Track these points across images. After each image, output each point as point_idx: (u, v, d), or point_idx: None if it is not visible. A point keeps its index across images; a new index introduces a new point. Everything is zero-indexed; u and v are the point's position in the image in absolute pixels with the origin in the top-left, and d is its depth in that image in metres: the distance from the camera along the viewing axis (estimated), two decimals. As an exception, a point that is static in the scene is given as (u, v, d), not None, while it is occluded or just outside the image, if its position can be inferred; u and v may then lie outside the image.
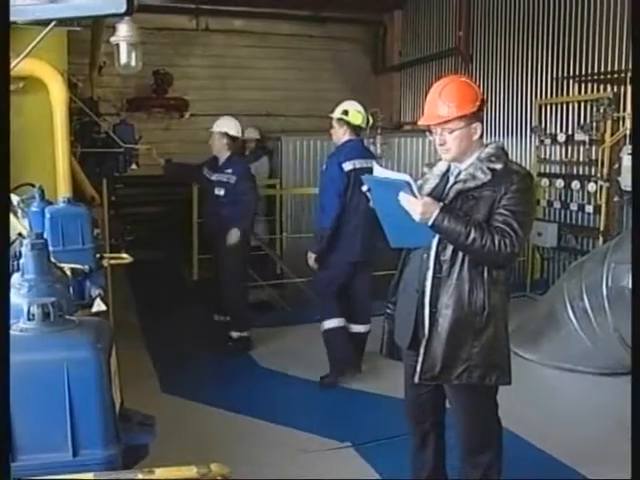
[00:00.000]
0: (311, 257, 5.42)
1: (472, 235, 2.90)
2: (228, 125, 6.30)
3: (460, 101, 3.06)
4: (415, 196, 2.93)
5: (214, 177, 6.32)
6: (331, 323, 5.52)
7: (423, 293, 3.11)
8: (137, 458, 1.78)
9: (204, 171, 6.46)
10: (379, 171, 3.16)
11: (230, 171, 6.24)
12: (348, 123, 5.43)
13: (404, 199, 2.93)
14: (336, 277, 5.51)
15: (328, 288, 5.54)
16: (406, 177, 2.99)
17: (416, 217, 2.92)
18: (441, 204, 2.96)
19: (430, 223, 2.92)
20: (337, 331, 5.53)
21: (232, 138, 6.31)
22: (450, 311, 3.04)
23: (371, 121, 5.85)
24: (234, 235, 6.07)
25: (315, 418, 4.81)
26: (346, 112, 5.45)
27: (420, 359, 3.11)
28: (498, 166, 3.05)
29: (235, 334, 6.30)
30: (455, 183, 3.13)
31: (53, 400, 1.60)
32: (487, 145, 3.17)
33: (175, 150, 10.44)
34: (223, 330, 6.42)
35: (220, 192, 6.24)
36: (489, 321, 3.04)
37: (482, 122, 3.14)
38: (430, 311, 3.08)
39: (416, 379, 3.15)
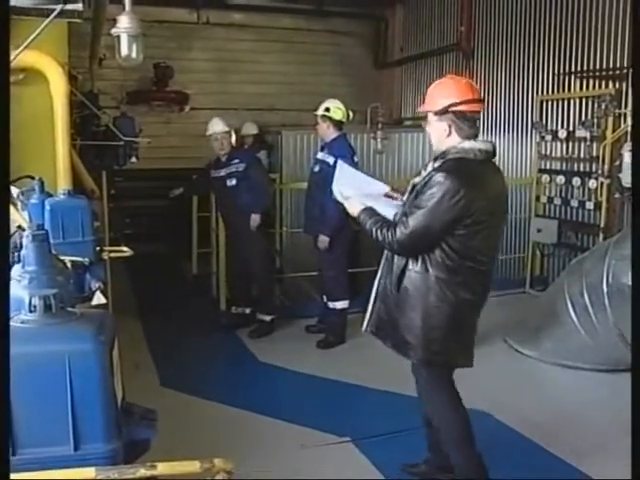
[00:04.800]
0: (325, 241, 6.07)
1: (373, 232, 3.40)
2: (216, 125, 6.49)
3: (429, 98, 3.44)
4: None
5: (223, 172, 6.49)
6: (344, 304, 6.30)
7: None
8: (138, 453, 1.76)
9: (211, 174, 6.65)
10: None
11: (237, 160, 6.45)
12: (331, 119, 6.15)
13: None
14: (344, 257, 6.29)
15: (340, 268, 6.28)
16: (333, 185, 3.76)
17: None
18: (362, 207, 3.52)
19: None
20: (345, 311, 6.33)
21: (225, 133, 6.50)
22: (382, 284, 3.55)
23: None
24: (255, 219, 6.36)
25: (314, 413, 4.79)
26: (328, 109, 6.17)
27: (367, 314, 3.65)
28: (437, 164, 3.32)
29: (267, 317, 6.58)
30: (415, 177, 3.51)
31: (54, 393, 1.59)
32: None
33: (175, 144, 10.45)
34: (234, 323, 6.77)
35: (232, 182, 6.43)
36: (406, 300, 3.40)
37: (456, 123, 3.31)
38: (378, 282, 3.60)
39: (362, 328, 3.69)
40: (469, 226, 3.25)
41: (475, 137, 3.36)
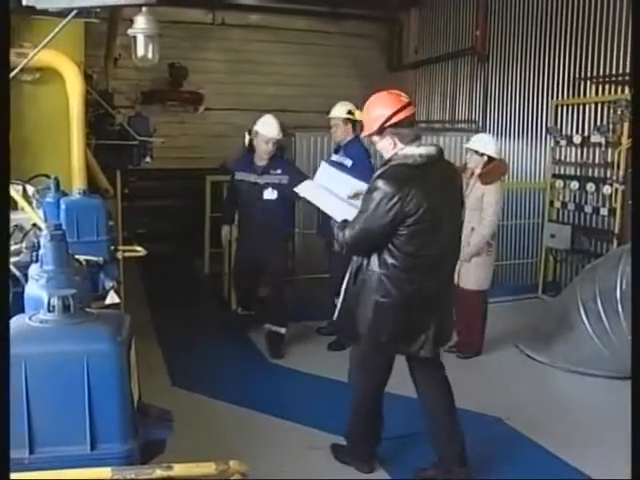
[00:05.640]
0: None
1: (334, 231, 3.73)
2: (272, 128, 5.91)
3: (365, 123, 3.74)
4: None
5: (260, 180, 5.96)
6: None
7: None
8: (154, 453, 1.76)
9: (238, 174, 6.13)
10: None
11: (279, 171, 5.97)
12: (355, 122, 6.10)
13: None
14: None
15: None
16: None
17: None
18: None
19: None
20: None
21: (278, 140, 6.05)
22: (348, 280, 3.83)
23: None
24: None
25: (325, 414, 4.78)
26: (350, 112, 6.13)
27: (337, 307, 3.95)
28: (380, 170, 3.62)
29: (282, 330, 6.21)
30: None
31: (72, 393, 1.59)
32: None
33: (189, 144, 10.47)
34: (245, 323, 6.66)
35: (272, 195, 5.92)
36: (361, 294, 3.68)
37: (397, 134, 3.57)
38: (347, 279, 3.85)
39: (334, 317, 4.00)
40: (410, 226, 3.49)
41: (419, 138, 3.65)
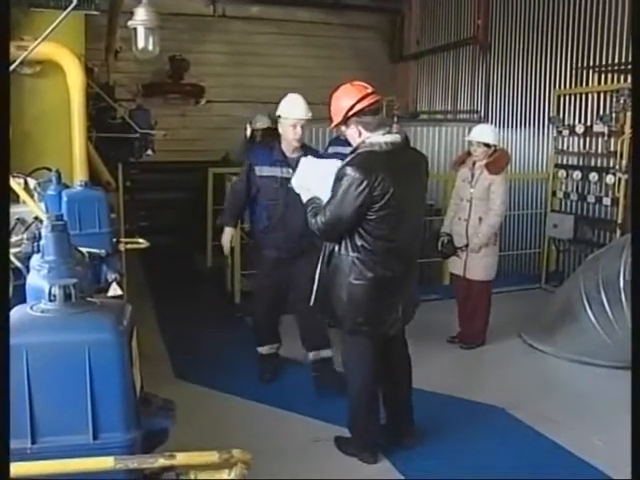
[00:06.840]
0: None
1: (308, 219, 3.80)
2: (299, 108, 4.96)
3: (332, 114, 3.84)
4: None
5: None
6: None
7: None
8: (156, 443, 1.76)
9: (260, 170, 5.05)
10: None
11: None
12: None
13: None
14: None
15: None
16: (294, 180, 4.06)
17: None
18: (309, 197, 3.87)
19: None
20: None
21: (307, 121, 5.03)
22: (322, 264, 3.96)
23: None
24: None
25: (329, 407, 4.78)
26: None
27: (314, 290, 4.03)
28: (348, 158, 3.72)
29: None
30: None
31: (74, 382, 1.59)
32: None
33: (191, 136, 10.46)
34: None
35: None
36: (335, 278, 3.81)
37: (361, 123, 3.70)
38: (320, 262, 3.99)
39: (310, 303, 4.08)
40: (378, 211, 3.64)
41: (384, 125, 3.78)
